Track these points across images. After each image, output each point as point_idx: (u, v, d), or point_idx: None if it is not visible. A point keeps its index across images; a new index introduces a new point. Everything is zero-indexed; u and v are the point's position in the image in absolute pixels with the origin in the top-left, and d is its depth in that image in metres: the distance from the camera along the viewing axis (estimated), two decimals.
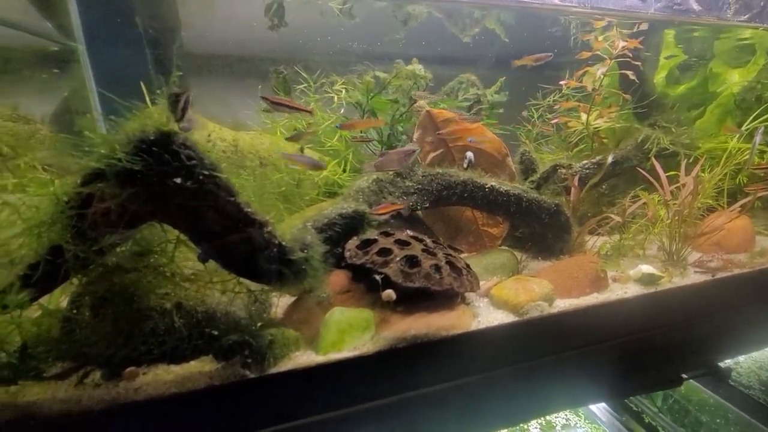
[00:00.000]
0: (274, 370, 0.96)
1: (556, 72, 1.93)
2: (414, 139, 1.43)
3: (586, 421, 2.38)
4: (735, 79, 1.56)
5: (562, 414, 2.41)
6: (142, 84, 1.22)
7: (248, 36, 1.69)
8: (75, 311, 0.87)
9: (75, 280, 0.91)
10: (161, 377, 0.89)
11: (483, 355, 1.15)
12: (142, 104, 1.02)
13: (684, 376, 1.71)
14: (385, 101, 1.44)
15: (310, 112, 1.24)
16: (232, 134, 1.51)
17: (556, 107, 1.66)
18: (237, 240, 0.85)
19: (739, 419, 2.16)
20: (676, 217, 1.38)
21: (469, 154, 1.36)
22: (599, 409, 2.44)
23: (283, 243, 0.89)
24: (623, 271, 1.38)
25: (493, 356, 1.16)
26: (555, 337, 1.22)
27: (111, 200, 0.80)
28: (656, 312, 1.36)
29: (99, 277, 0.90)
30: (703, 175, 1.47)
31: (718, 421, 2.28)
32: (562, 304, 1.23)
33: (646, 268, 1.35)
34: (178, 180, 0.78)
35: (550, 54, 1.32)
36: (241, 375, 0.93)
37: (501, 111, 1.75)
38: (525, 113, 1.72)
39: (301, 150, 1.46)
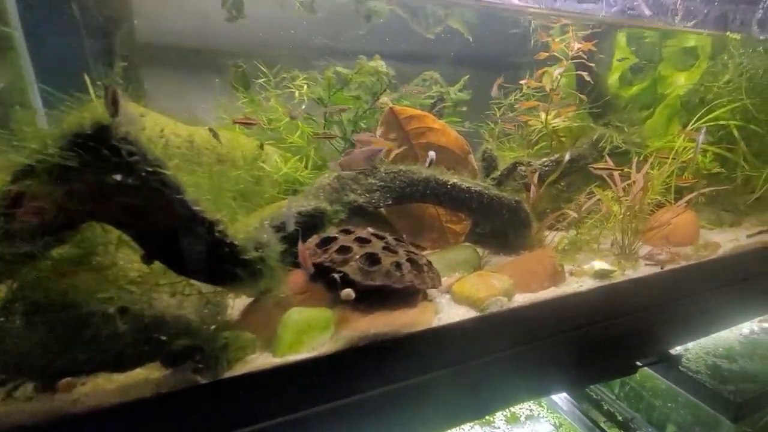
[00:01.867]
0: (228, 374, 0.93)
1: (517, 72, 1.98)
2: (378, 136, 1.42)
3: (549, 411, 2.47)
4: (681, 82, 1.65)
5: (525, 405, 2.49)
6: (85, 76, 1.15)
7: (205, 27, 1.62)
8: (4, 319, 0.80)
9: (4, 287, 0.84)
10: (102, 387, 0.84)
11: (446, 350, 1.15)
12: (85, 97, 0.96)
13: (638, 363, 1.81)
14: (347, 98, 1.43)
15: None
16: (187, 130, 1.45)
17: (517, 106, 1.70)
18: (186, 240, 0.81)
19: (687, 402, 2.30)
20: (628, 213, 1.45)
21: (432, 154, 1.36)
22: (560, 398, 2.54)
23: (236, 242, 0.86)
24: (579, 266, 1.43)
25: (455, 352, 1.17)
26: (515, 331, 1.25)
27: (43, 199, 0.75)
28: (610, 303, 1.42)
29: (32, 282, 0.83)
30: (652, 172, 1.54)
31: (669, 405, 2.42)
32: (521, 299, 1.26)
33: (598, 264, 1.40)
34: (118, 177, 0.73)
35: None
36: (193, 381, 0.89)
37: (464, 109, 1.77)
38: (502, 117, 1.74)
39: (261, 146, 1.42)
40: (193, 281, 0.94)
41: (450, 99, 1.62)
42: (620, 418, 2.47)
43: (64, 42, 1.38)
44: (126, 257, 0.93)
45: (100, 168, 0.72)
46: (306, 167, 1.40)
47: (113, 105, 0.71)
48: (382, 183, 1.33)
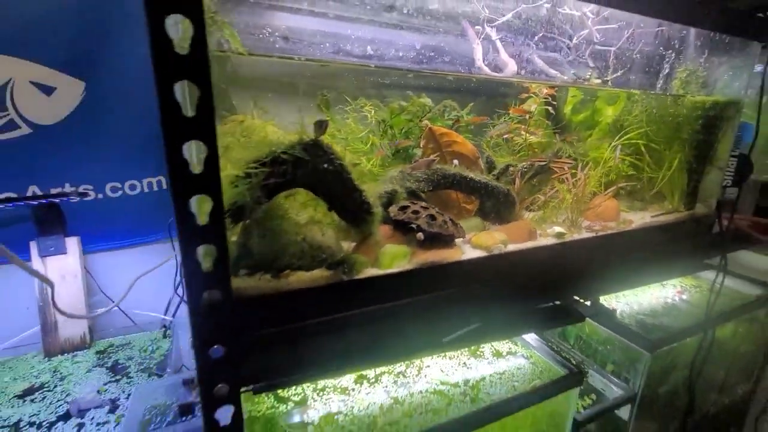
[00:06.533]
0: (357, 277, 1.68)
1: (504, 99, 2.83)
2: (421, 147, 2.20)
3: (523, 348, 3.31)
4: (609, 113, 2.55)
5: (506, 345, 3.32)
6: None
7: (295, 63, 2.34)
8: (247, 236, 1.51)
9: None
10: (301, 278, 1.56)
11: (468, 275, 1.95)
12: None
13: (585, 316, 2.66)
14: (403, 120, 2.20)
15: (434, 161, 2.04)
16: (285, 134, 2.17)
17: (503, 125, 2.54)
18: (348, 199, 1.56)
19: (621, 344, 3.16)
20: (574, 198, 2.31)
21: (455, 161, 2.16)
22: (532, 340, 3.39)
23: (370, 202, 1.62)
24: (544, 231, 2.27)
25: (473, 276, 1.96)
26: (509, 266, 2.06)
27: (280, 177, 1.47)
28: (564, 254, 2.26)
29: (261, 218, 1.55)
30: (590, 173, 2.42)
31: (608, 347, 3.28)
32: (512, 247, 2.08)
33: (558, 229, 2.25)
34: (325, 165, 1.47)
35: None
36: (340, 278, 1.63)
37: (471, 127, 2.59)
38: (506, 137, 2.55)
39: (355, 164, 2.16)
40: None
41: (463, 120, 2.43)
42: (574, 361, 3.34)
43: None
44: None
45: (318, 160, 1.46)
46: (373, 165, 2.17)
47: (321, 129, 1.45)
48: (426, 176, 2.11)
